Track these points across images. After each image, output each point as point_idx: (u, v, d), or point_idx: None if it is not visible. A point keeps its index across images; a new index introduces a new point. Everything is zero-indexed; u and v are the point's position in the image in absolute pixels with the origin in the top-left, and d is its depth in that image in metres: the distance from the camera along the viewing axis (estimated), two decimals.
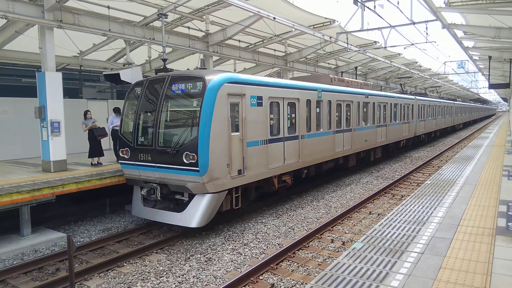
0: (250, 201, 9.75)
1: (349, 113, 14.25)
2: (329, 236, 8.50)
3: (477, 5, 12.66)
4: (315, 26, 15.44)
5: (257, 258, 6.97)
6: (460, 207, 6.39)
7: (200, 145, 7.48)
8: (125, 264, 6.75)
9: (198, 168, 7.49)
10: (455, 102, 41.82)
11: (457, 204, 6.60)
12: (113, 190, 9.62)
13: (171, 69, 10.49)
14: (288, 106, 10.43)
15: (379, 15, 13.94)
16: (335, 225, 9.25)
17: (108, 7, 10.69)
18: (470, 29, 16.72)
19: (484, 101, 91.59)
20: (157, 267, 6.55)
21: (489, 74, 21.90)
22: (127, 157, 8.70)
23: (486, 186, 8.06)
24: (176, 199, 8.40)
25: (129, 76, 10.69)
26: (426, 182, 8.77)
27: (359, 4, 14.84)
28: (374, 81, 29.48)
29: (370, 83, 18.82)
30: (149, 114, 8.56)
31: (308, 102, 11.40)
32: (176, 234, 8.25)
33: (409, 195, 7.56)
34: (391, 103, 18.84)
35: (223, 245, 7.63)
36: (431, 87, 41.71)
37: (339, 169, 14.82)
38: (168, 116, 8.45)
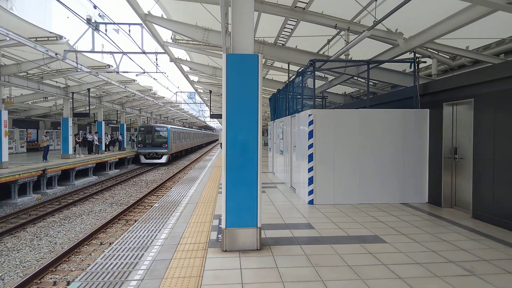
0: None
1: (182, 135, 39.67)
2: (51, 278, 7.48)
3: (197, 46, 14.66)
4: (37, 39, 13.68)
5: None
6: (182, 226, 6.90)
7: (168, 143, 31.87)
8: None
9: (167, 147, 31.76)
10: (201, 130, 71.85)
11: (180, 223, 7.12)
12: None
13: None
14: (178, 134, 37.68)
15: (110, 39, 13.84)
16: (60, 263, 8.24)
17: None
18: (194, 66, 19.16)
19: (210, 128, 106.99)
20: None
21: (210, 106, 25.65)
22: (142, 146, 31.31)
23: (205, 204, 9.13)
24: (156, 157, 31.43)
25: None
26: (155, 205, 9.10)
27: (91, 25, 14.30)
28: (110, 104, 29.02)
29: (181, 124, 51.56)
30: (148, 135, 31.62)
31: (180, 132, 38.93)
32: None
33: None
34: (188, 132, 44.52)
35: None
36: (192, 122, 69.23)
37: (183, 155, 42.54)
38: (155, 136, 31.66)
